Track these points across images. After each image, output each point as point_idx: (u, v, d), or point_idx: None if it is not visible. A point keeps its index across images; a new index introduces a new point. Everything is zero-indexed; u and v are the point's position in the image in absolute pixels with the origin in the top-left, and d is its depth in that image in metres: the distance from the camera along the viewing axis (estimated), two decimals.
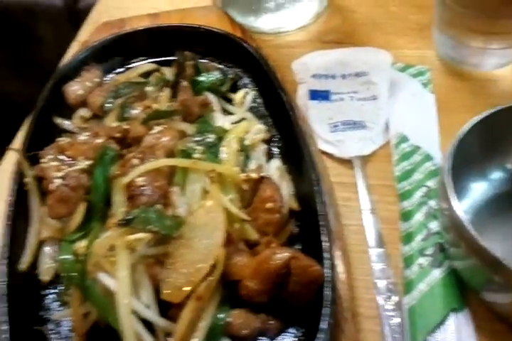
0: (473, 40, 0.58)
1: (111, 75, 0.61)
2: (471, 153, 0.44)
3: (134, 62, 0.62)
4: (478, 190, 0.47)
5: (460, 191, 0.42)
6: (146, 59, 0.62)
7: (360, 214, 0.50)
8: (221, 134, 0.50)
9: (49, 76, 0.58)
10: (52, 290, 0.46)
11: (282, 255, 0.40)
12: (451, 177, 0.40)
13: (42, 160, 0.47)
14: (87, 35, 0.68)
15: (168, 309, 0.41)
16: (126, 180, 0.44)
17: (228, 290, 0.42)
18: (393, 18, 0.69)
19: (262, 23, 0.69)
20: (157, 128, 0.48)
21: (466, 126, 0.43)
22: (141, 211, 0.42)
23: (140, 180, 0.43)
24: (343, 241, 0.46)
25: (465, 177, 0.46)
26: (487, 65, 0.60)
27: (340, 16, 0.71)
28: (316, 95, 0.59)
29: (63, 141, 0.49)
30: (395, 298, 0.44)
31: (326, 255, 0.41)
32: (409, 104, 0.57)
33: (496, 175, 0.48)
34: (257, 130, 0.51)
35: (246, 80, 0.60)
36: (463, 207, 0.39)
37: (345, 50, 0.64)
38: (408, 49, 0.64)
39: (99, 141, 0.47)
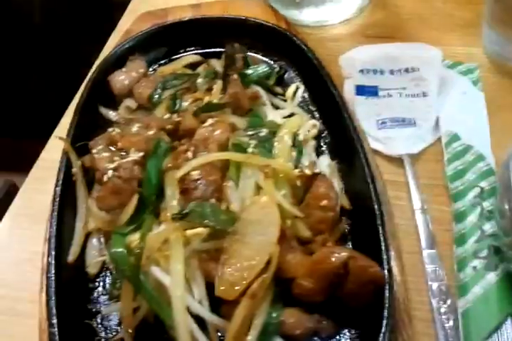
0: None
1: (154, 66, 0.60)
2: None
3: (177, 53, 0.61)
4: None
5: None
6: (190, 50, 0.61)
7: (410, 213, 0.48)
8: (273, 129, 0.49)
9: None
10: (100, 283, 0.45)
11: (340, 254, 0.39)
12: None
13: (93, 151, 0.46)
14: (127, 24, 0.67)
15: (216, 305, 0.41)
16: (180, 173, 0.43)
17: (280, 288, 0.41)
18: (438, 14, 0.67)
19: (306, 16, 0.67)
20: (210, 121, 0.47)
21: None
22: (197, 205, 0.41)
23: (194, 174, 0.43)
24: (397, 241, 0.45)
25: None
26: None
27: (385, 11, 0.69)
28: (364, 91, 0.58)
29: (114, 131, 0.48)
30: (449, 301, 0.43)
31: (384, 256, 0.40)
32: (459, 102, 0.56)
33: None
34: (310, 125, 0.50)
35: (292, 74, 0.59)
36: None
37: (393, 44, 0.62)
38: (455, 46, 0.63)
39: (151, 132, 0.47)
